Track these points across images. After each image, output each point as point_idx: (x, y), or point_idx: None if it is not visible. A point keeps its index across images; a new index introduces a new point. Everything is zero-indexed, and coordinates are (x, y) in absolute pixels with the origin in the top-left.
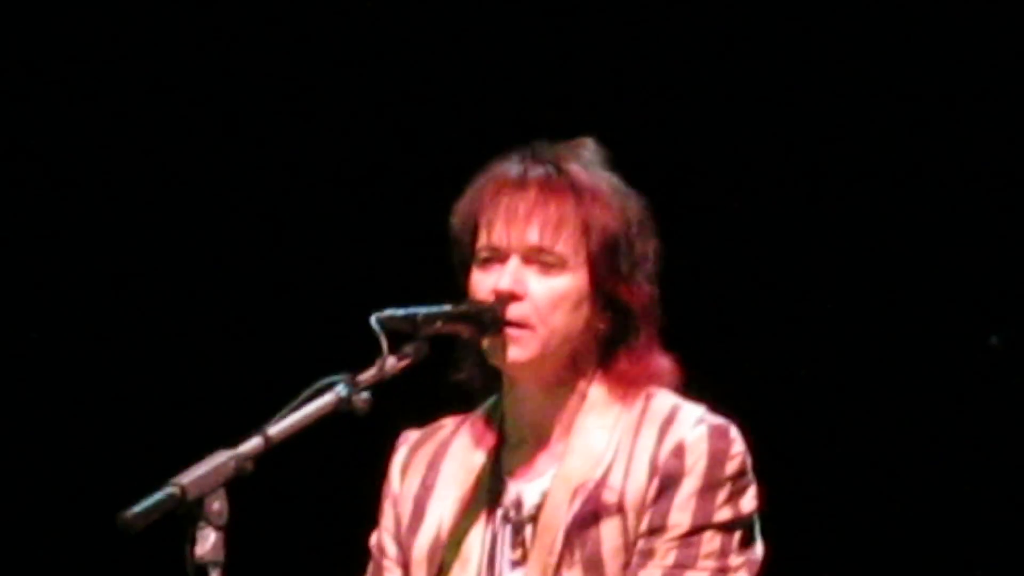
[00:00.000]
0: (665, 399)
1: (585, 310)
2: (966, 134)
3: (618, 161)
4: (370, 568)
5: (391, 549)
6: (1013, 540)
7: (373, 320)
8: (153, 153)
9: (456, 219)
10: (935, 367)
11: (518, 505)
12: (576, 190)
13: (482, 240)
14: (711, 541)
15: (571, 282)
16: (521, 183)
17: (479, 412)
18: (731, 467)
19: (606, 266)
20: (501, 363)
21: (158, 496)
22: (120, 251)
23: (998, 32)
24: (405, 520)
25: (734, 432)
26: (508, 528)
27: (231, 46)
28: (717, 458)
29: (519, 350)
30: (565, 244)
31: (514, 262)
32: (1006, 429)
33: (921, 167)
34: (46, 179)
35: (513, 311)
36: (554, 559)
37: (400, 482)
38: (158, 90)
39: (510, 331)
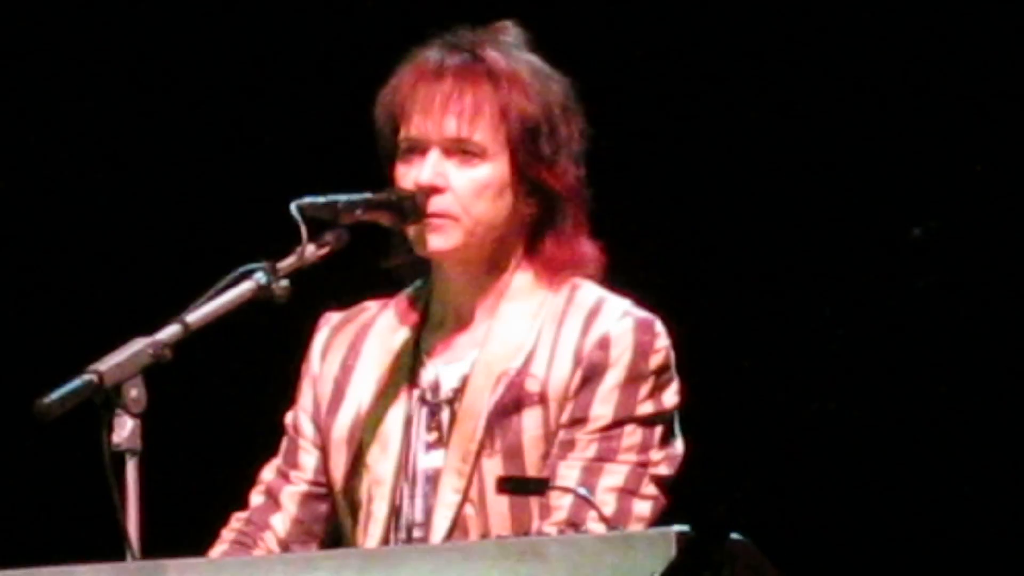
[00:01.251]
0: (591, 290)
1: (509, 197)
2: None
3: (546, 42)
4: (283, 445)
5: (307, 429)
6: (936, 432)
7: (293, 207)
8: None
9: (378, 111)
10: (858, 259)
11: (435, 387)
12: (493, 77)
13: (402, 132)
14: (632, 434)
15: (492, 171)
16: (438, 73)
17: (404, 294)
18: (655, 361)
19: (527, 152)
20: (425, 252)
21: (75, 383)
22: (36, 135)
23: None
24: (325, 401)
25: (659, 326)
26: (424, 410)
27: None
28: (641, 351)
29: (442, 239)
30: (483, 132)
31: (434, 154)
32: (928, 321)
33: (845, 65)
34: None
35: (436, 204)
36: (475, 446)
37: (320, 363)
38: None
39: (433, 220)
